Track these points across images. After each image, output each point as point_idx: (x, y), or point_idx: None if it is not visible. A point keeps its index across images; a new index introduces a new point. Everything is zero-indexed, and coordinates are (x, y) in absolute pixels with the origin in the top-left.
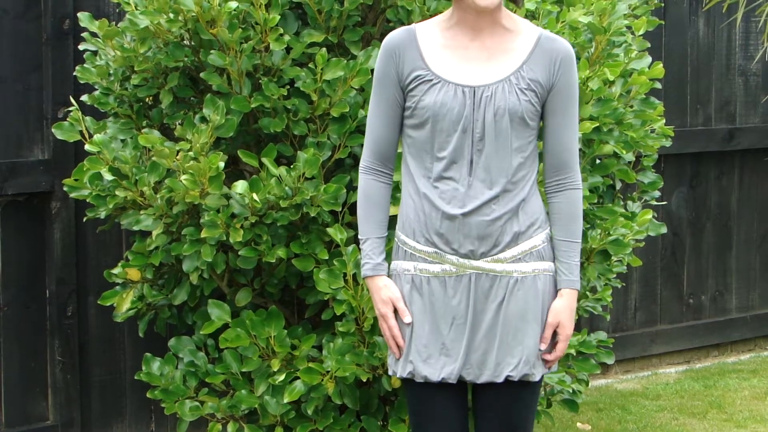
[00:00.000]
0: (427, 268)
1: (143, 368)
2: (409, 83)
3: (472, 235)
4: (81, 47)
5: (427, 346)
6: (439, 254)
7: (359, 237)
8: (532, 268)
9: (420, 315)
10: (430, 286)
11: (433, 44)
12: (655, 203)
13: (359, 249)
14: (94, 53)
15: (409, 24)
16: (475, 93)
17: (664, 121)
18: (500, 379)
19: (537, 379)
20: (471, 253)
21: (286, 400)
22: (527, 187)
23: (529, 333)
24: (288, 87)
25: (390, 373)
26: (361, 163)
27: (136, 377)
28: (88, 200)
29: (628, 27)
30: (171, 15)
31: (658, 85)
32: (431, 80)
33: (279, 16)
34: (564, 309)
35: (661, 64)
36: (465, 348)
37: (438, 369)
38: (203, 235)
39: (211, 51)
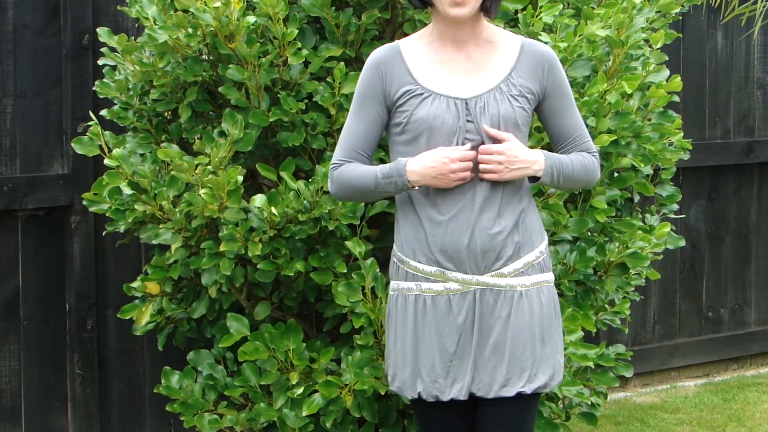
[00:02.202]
0: (431, 287)
1: (162, 381)
2: (397, 99)
3: (475, 250)
4: (100, 62)
5: (434, 366)
6: (441, 272)
7: (369, 184)
8: (534, 281)
9: (426, 334)
10: (435, 304)
11: (418, 59)
12: (674, 216)
13: (377, 262)
14: (114, 68)
15: None
16: (467, 104)
17: (682, 134)
18: (511, 393)
19: (546, 390)
20: (475, 268)
21: (304, 413)
22: (525, 197)
23: (537, 346)
24: (306, 101)
25: (392, 390)
26: (331, 166)
27: (155, 390)
28: (107, 214)
29: (646, 40)
30: (190, 30)
31: (676, 99)
32: (422, 94)
33: (297, 31)
34: (522, 144)
35: (679, 78)
36: (472, 364)
37: (447, 388)
38: (222, 248)
39: (230, 65)
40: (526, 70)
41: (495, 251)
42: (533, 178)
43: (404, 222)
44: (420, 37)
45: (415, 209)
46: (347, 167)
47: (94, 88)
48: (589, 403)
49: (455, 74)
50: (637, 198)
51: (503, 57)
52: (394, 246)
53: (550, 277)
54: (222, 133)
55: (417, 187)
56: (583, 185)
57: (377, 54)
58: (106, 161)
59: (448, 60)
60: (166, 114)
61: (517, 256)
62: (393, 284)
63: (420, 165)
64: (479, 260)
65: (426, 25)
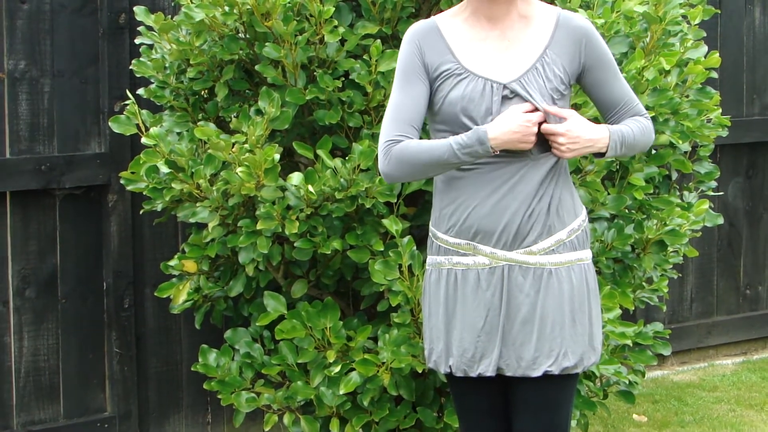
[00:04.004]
0: (461, 261)
1: (200, 360)
2: (437, 77)
3: (509, 228)
4: (137, 41)
5: (463, 340)
6: (471, 245)
7: (442, 156)
8: (565, 259)
9: (457, 309)
10: (465, 279)
11: (456, 36)
12: (712, 193)
13: (414, 240)
14: (150, 47)
15: None
16: (504, 88)
17: (720, 110)
18: (538, 373)
19: (576, 371)
20: (504, 244)
21: (341, 392)
22: (562, 174)
23: (567, 325)
24: (343, 79)
25: (429, 366)
26: (384, 140)
27: (192, 369)
28: (144, 193)
29: (684, 16)
30: (226, 8)
31: (714, 75)
32: (460, 74)
33: (333, 8)
34: (581, 118)
35: (717, 54)
36: (500, 340)
37: (476, 362)
38: (259, 227)
39: (266, 43)
40: (561, 46)
41: (526, 228)
42: (598, 154)
43: (439, 196)
44: (455, 14)
45: (450, 183)
46: (408, 143)
47: (131, 67)
48: (627, 381)
49: (490, 53)
50: (675, 175)
51: (538, 33)
52: (430, 222)
53: (584, 255)
54: (259, 112)
55: (498, 152)
56: (642, 149)
57: (414, 28)
58: (143, 140)
59: (482, 38)
60: (202, 92)
61: (548, 233)
62: (428, 259)
63: (503, 131)
64: (509, 237)
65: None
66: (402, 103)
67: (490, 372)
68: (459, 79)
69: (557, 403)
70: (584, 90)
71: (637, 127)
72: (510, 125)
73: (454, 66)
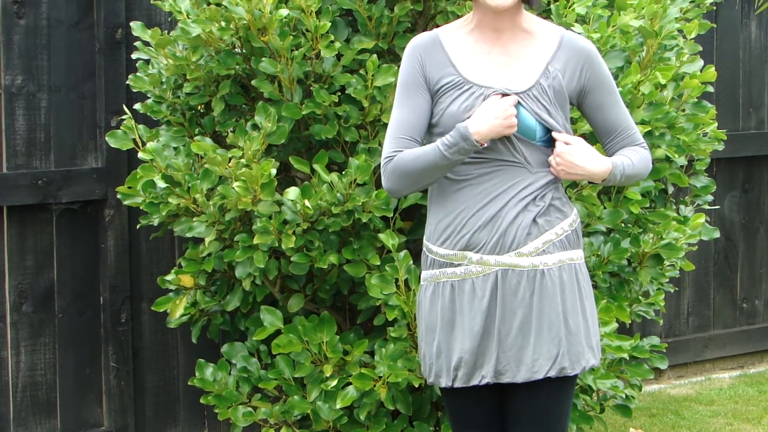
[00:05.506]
0: (455, 272)
1: (196, 374)
2: (438, 89)
3: (498, 231)
4: (134, 56)
5: (464, 350)
6: (464, 254)
7: (433, 161)
8: (556, 259)
9: (454, 320)
10: (461, 289)
11: (459, 49)
12: (708, 207)
13: (410, 255)
14: (147, 62)
15: None
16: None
17: (716, 124)
18: (539, 376)
19: (573, 373)
20: (494, 249)
21: (338, 406)
22: (551, 178)
23: (562, 326)
24: (339, 93)
25: (429, 382)
26: (383, 157)
27: (189, 383)
28: (141, 207)
29: (680, 30)
30: (222, 23)
31: (710, 89)
32: (461, 86)
33: (329, 23)
34: (587, 147)
35: (713, 68)
36: (497, 345)
37: (477, 370)
38: (256, 241)
39: (263, 58)
40: (563, 65)
41: (515, 231)
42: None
43: (435, 209)
44: (458, 27)
45: (446, 194)
46: (401, 155)
47: (127, 82)
48: (624, 395)
49: (493, 67)
50: (671, 189)
51: (541, 49)
52: (424, 236)
53: (575, 254)
54: (255, 126)
55: (486, 144)
56: (639, 179)
57: (416, 41)
58: (140, 155)
59: (485, 52)
60: (199, 107)
61: (538, 234)
62: (423, 274)
63: (485, 123)
64: (501, 242)
65: (458, 17)
66: (402, 119)
67: (489, 378)
68: (461, 91)
69: (555, 409)
70: (583, 113)
71: (637, 159)
72: (489, 115)
73: (456, 78)
